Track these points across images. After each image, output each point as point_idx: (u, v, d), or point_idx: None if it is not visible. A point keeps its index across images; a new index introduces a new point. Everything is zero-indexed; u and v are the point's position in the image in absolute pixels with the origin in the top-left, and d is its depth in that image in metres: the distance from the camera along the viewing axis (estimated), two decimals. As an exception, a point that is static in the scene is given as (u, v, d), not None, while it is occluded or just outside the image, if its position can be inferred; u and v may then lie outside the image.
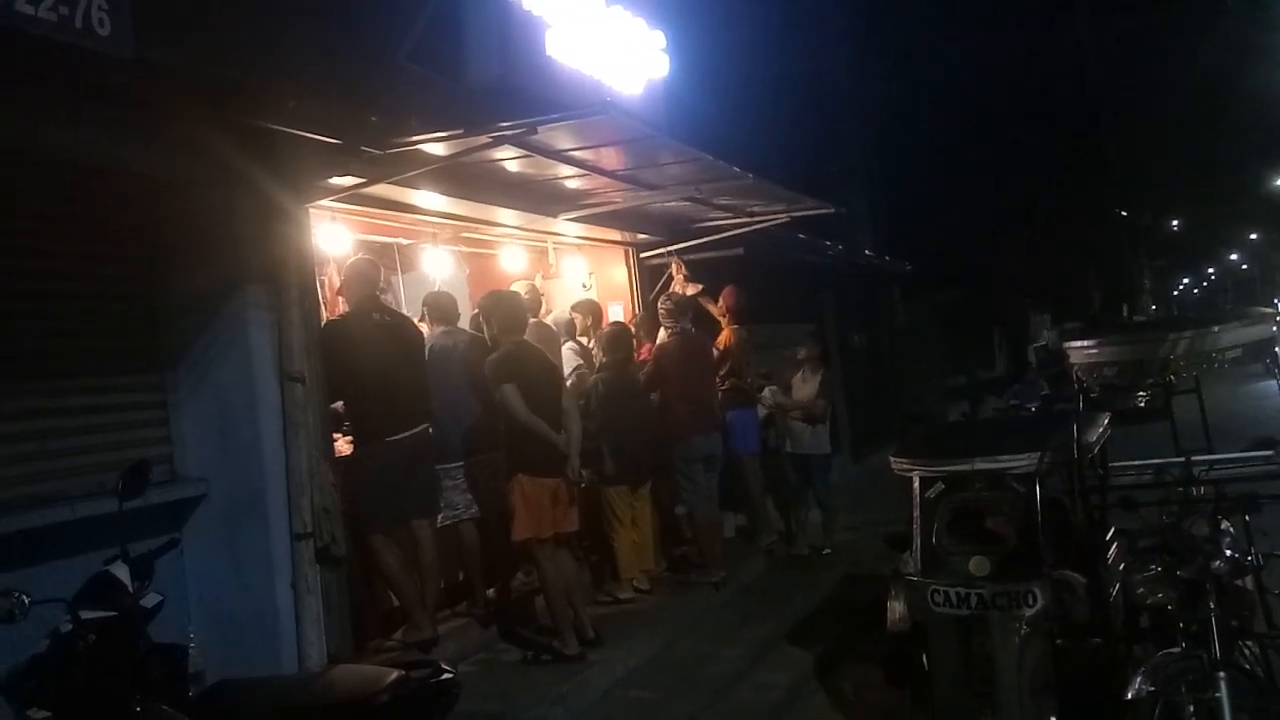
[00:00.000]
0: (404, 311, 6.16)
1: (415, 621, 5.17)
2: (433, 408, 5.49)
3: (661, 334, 7.33)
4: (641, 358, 7.30)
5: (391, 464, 5.10)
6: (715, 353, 7.76)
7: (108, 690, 2.84)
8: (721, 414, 7.63)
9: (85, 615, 2.86)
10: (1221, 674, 3.43)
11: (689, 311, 7.28)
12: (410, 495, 5.21)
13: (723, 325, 8.03)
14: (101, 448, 4.33)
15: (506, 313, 5.56)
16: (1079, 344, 4.70)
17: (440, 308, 6.02)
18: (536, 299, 6.97)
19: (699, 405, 7.05)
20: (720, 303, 8.07)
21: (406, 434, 5.16)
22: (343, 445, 5.29)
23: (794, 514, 8.34)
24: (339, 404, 5.24)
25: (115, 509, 3.17)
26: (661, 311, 7.20)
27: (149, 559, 3.15)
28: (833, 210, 8.46)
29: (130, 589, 2.97)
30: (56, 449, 4.21)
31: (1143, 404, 7.13)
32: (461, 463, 5.73)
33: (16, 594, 2.89)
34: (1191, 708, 3.52)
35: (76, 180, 4.25)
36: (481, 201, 6.24)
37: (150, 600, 3.04)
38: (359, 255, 5.70)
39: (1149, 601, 3.85)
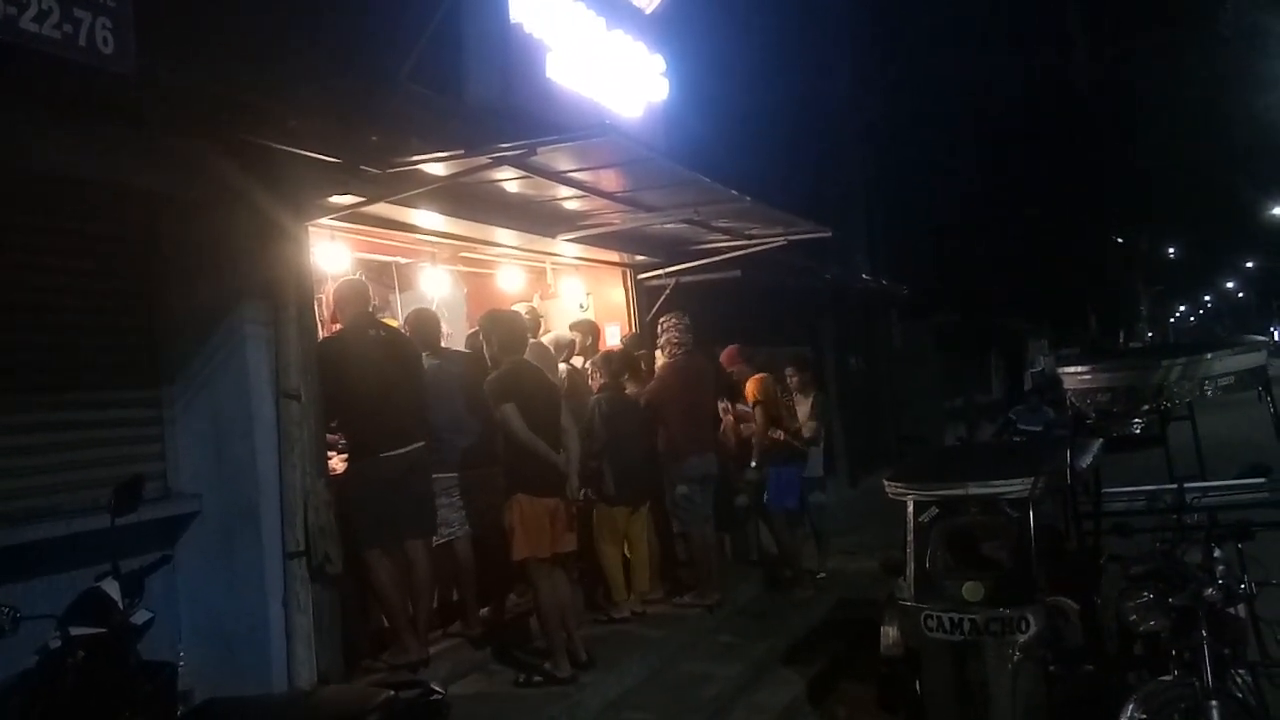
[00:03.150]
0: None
1: (403, 644, 5.15)
2: (429, 426, 5.49)
3: (659, 354, 7.35)
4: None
5: (384, 480, 5.09)
6: (751, 406, 7.72)
7: (96, 707, 2.83)
8: (763, 470, 7.64)
9: (75, 631, 2.85)
10: (1213, 702, 3.44)
11: (692, 332, 7.30)
12: (403, 514, 5.18)
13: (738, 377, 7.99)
14: (96, 463, 4.33)
15: (506, 332, 5.56)
16: (1073, 370, 4.71)
17: (422, 328, 5.89)
18: (536, 320, 6.99)
19: (697, 425, 7.06)
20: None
21: (400, 451, 5.15)
22: (337, 463, 5.28)
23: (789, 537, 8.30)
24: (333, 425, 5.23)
25: (107, 525, 3.17)
26: (667, 327, 7.21)
27: (140, 575, 3.15)
28: (829, 234, 8.50)
29: (120, 606, 2.97)
30: (51, 463, 4.21)
31: (1138, 430, 7.16)
32: (456, 478, 5.71)
33: (6, 608, 2.89)
34: (1184, 736, 3.52)
35: (77, 195, 4.27)
36: (480, 221, 6.27)
37: (140, 617, 3.03)
38: (345, 278, 5.67)
39: (1142, 628, 3.84)
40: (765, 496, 7.81)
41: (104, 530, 3.19)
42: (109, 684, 2.87)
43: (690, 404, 7.02)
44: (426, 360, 5.74)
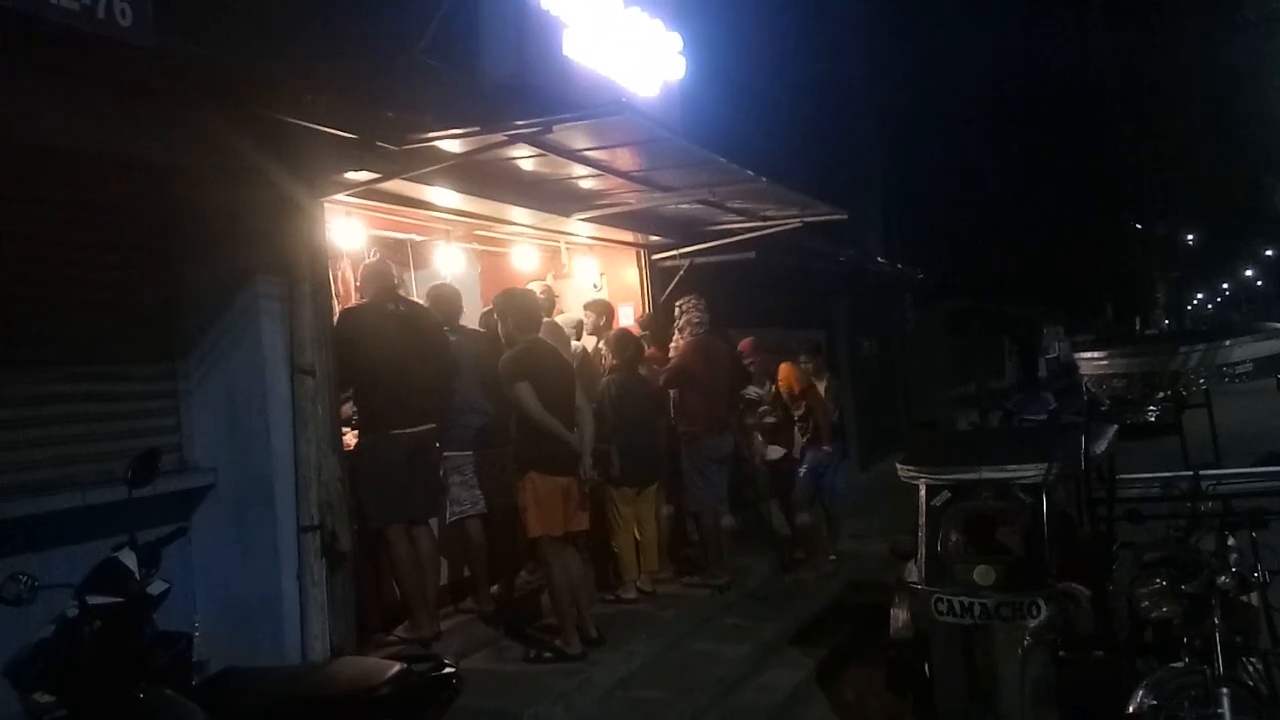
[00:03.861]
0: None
1: (415, 621, 5.19)
2: (443, 407, 5.50)
3: (677, 335, 7.34)
4: (648, 354, 7.30)
5: (392, 458, 5.10)
6: (789, 394, 7.85)
7: (112, 676, 2.86)
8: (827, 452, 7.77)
9: (92, 601, 2.88)
10: (1224, 689, 3.44)
11: (710, 314, 7.30)
12: (409, 493, 5.19)
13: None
14: (112, 435, 4.36)
15: (522, 311, 5.56)
16: (1090, 355, 4.68)
17: (442, 304, 5.94)
18: (551, 299, 6.99)
19: (715, 405, 7.09)
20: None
21: (411, 430, 5.16)
22: (350, 439, 5.30)
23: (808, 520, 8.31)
24: (348, 404, 5.25)
25: (124, 496, 3.19)
26: (687, 308, 7.22)
27: (156, 547, 3.17)
28: (845, 216, 8.44)
29: (137, 576, 2.99)
30: (68, 435, 4.24)
31: (1153, 418, 7.13)
32: (470, 456, 5.73)
33: (24, 577, 2.92)
34: (1193, 723, 3.52)
35: (94, 170, 4.28)
36: (495, 199, 6.25)
37: (156, 588, 3.05)
38: (374, 257, 5.73)
39: (1154, 615, 3.84)
40: (808, 476, 7.84)
41: (121, 502, 3.21)
42: (126, 653, 2.90)
43: (709, 383, 7.04)
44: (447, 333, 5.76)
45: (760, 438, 7.89)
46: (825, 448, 7.84)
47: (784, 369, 7.96)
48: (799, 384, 7.86)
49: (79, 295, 4.37)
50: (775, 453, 7.93)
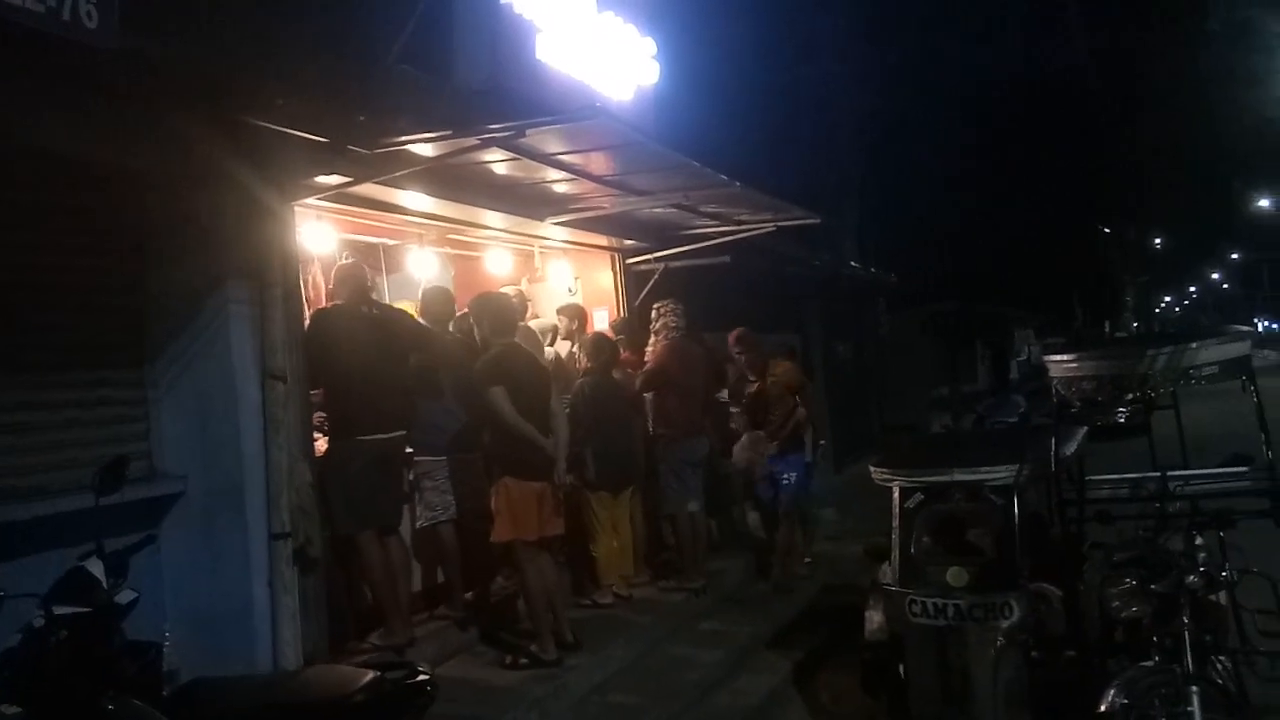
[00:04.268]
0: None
1: (389, 627, 5.16)
2: (412, 410, 5.47)
3: (653, 338, 7.34)
4: (623, 358, 7.30)
5: (360, 465, 5.06)
6: (784, 392, 7.71)
7: (79, 686, 2.81)
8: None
9: (58, 610, 2.83)
10: (1194, 688, 3.48)
11: (686, 318, 7.30)
12: (377, 501, 5.15)
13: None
14: (80, 443, 4.29)
15: (497, 315, 5.55)
16: (1059, 358, 4.73)
17: (431, 307, 5.95)
18: (523, 303, 6.98)
19: (690, 408, 7.10)
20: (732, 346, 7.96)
21: (379, 436, 5.13)
22: (322, 444, 5.26)
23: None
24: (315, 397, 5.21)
25: (92, 504, 3.14)
26: (665, 312, 7.22)
27: (125, 555, 3.12)
28: (819, 220, 8.51)
29: (105, 585, 2.95)
30: (34, 443, 4.17)
31: (1122, 419, 7.21)
32: (444, 459, 5.70)
33: (-11, 587, 2.87)
34: (1163, 721, 3.56)
35: (61, 174, 4.22)
36: (468, 203, 6.24)
37: (125, 597, 3.01)
38: (348, 259, 5.69)
39: (1124, 615, 3.88)
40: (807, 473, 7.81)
41: (88, 510, 3.16)
42: (93, 663, 2.85)
43: (685, 386, 7.06)
44: None
45: (761, 434, 7.81)
46: (822, 441, 7.89)
47: (787, 366, 7.86)
48: (797, 382, 7.81)
49: (46, 300, 4.30)
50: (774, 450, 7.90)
